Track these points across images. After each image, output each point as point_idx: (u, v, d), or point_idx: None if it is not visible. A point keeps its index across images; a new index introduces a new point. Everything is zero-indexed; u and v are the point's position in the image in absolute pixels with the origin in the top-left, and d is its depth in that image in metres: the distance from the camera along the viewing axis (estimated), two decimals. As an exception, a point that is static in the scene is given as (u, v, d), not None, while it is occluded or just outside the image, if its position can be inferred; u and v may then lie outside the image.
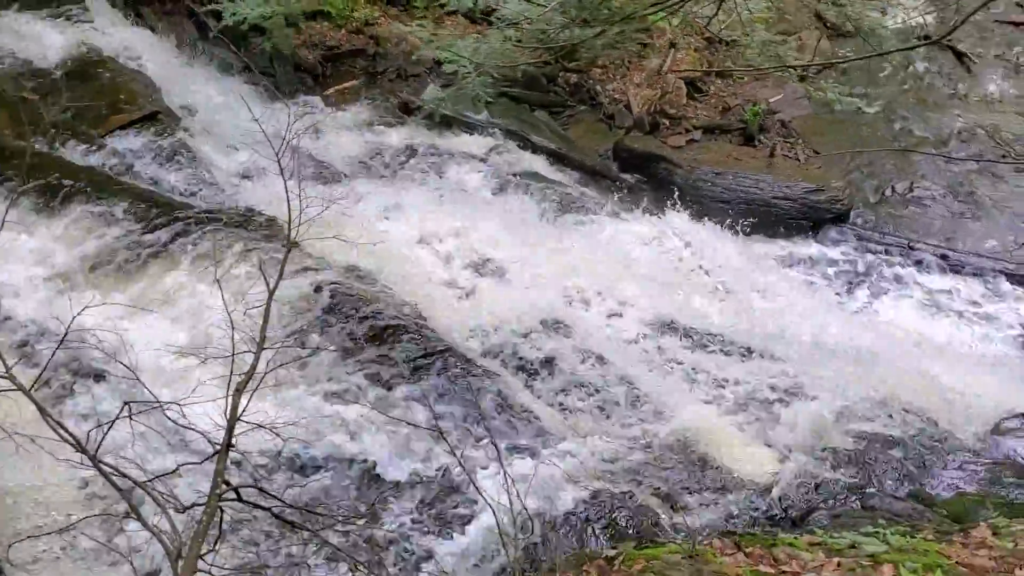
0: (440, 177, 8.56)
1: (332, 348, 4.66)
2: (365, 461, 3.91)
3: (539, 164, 9.01)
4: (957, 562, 3.27)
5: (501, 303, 5.84)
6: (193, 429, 2.59)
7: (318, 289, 5.26)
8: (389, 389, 4.51)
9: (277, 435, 2.61)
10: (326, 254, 5.58)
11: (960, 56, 11.26)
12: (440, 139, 9.25)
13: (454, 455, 2.99)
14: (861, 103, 9.00)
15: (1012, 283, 7.84)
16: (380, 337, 4.97)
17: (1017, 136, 8.44)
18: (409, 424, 3.68)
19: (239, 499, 2.43)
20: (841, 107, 9.17)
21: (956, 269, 8.08)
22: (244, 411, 2.38)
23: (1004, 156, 8.25)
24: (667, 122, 10.41)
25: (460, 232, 6.76)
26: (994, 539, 3.57)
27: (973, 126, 9.55)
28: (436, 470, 3.88)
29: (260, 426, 2.45)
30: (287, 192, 2.78)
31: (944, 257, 8.24)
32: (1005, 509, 4.13)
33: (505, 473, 2.43)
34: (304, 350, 4.21)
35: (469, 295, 6.06)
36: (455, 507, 3.74)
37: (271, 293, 2.70)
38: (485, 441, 4.15)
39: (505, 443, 4.27)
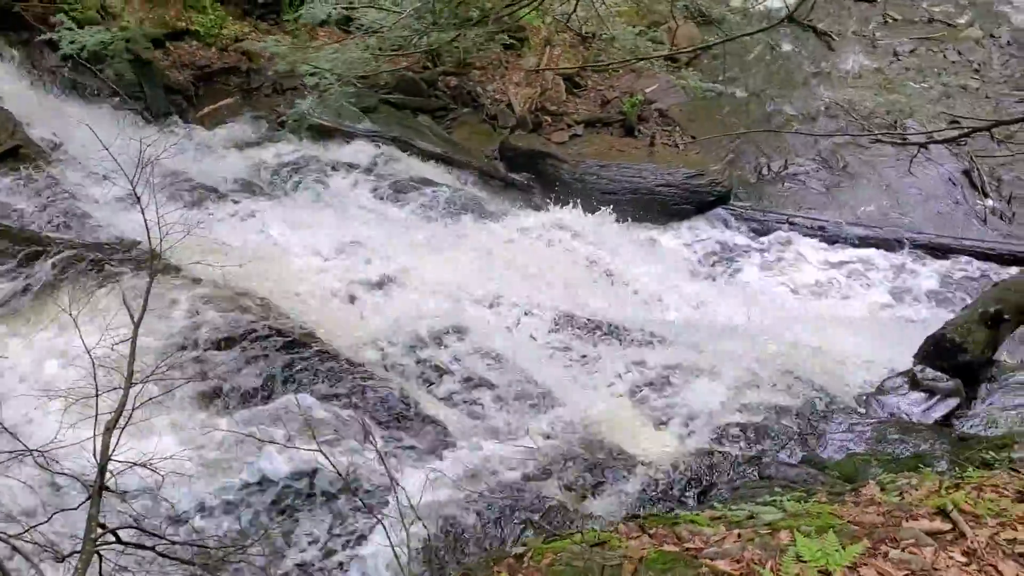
0: (325, 189, 8.46)
1: (214, 373, 4.53)
2: (255, 485, 3.82)
3: (425, 169, 9.00)
4: (849, 521, 3.40)
5: (395, 312, 5.80)
6: (64, 474, 2.47)
7: (196, 314, 5.11)
8: (278, 409, 4.41)
9: (155, 471, 2.51)
10: (208, 278, 5.43)
11: (821, 35, 11.77)
12: (323, 151, 9.13)
13: (339, 474, 2.94)
14: (723, 88, 9.29)
15: (886, 248, 8.22)
16: (268, 357, 4.87)
17: (871, 109, 8.86)
18: (293, 447, 3.60)
19: (119, 541, 2.33)
20: (702, 94, 9.46)
21: (834, 239, 8.44)
22: (117, 449, 2.29)
23: (865, 129, 8.64)
24: (549, 119, 10.56)
25: (348, 243, 6.70)
26: (882, 495, 3.73)
27: (838, 102, 9.97)
28: (331, 488, 3.82)
29: (136, 464, 2.35)
30: (145, 221, 2.68)
31: (822, 228, 8.59)
32: (891, 465, 4.33)
33: (393, 482, 2.41)
34: (179, 380, 4.07)
35: (362, 306, 6.00)
36: (353, 524, 3.69)
37: (136, 326, 2.61)
38: (388, 451, 4.11)
39: (408, 450, 4.25)
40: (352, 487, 3.58)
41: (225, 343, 4.97)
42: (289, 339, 5.08)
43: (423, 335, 5.47)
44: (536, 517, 3.92)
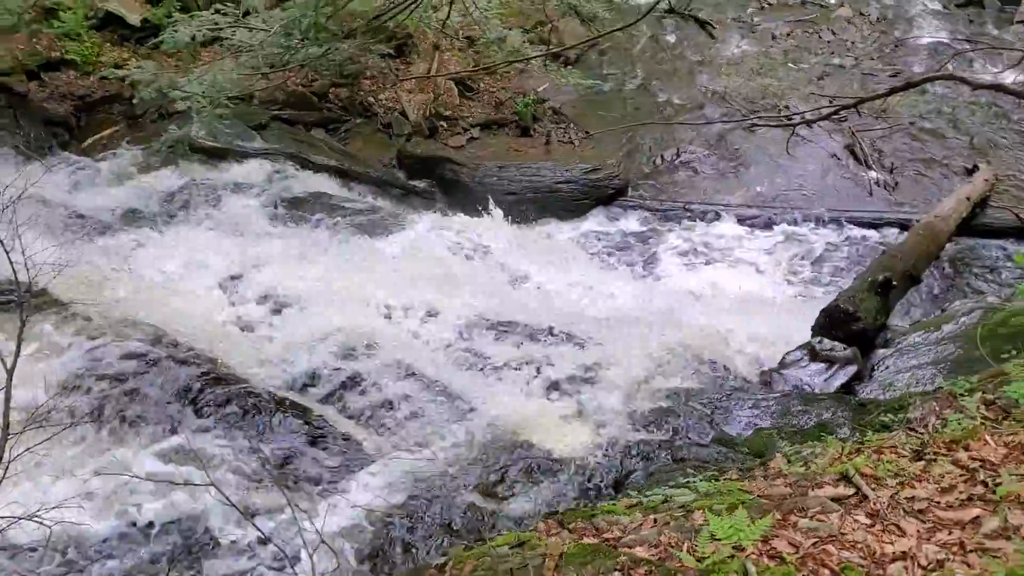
0: (220, 212, 8.25)
1: (106, 412, 4.37)
2: (151, 527, 3.69)
3: (322, 183, 8.88)
4: (759, 495, 3.50)
5: (300, 331, 5.71)
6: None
7: (85, 352, 4.92)
8: (175, 445, 4.29)
9: (41, 523, 2.39)
10: (96, 313, 5.24)
11: (703, 24, 12.07)
12: (215, 173, 8.93)
13: (238, 510, 2.87)
14: (610, 84, 9.43)
15: (778, 226, 8.49)
16: (163, 390, 4.73)
17: (747, 95, 9.14)
18: (188, 484, 3.50)
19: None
20: (585, 91, 9.59)
21: (729, 221, 8.67)
22: (-1, 505, 2.18)
23: (744, 114, 8.91)
24: (444, 124, 10.55)
25: (246, 265, 6.56)
26: (788, 466, 3.85)
27: (716, 90, 10.25)
28: (232, 523, 3.72)
29: (21, 518, 2.25)
30: (11, 263, 2.56)
31: (717, 213, 8.82)
32: (796, 436, 4.48)
33: (294, 509, 2.37)
34: (65, 424, 3.90)
35: (265, 329, 5.88)
36: (257, 558, 3.61)
37: (10, 374, 2.49)
38: (299, 476, 4.04)
39: (321, 472, 4.18)
40: (254, 519, 3.50)
41: (116, 379, 4.80)
42: (187, 369, 4.94)
43: (328, 352, 5.40)
44: (457, 526, 3.91)
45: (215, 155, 9.08)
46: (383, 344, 5.64)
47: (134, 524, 3.64)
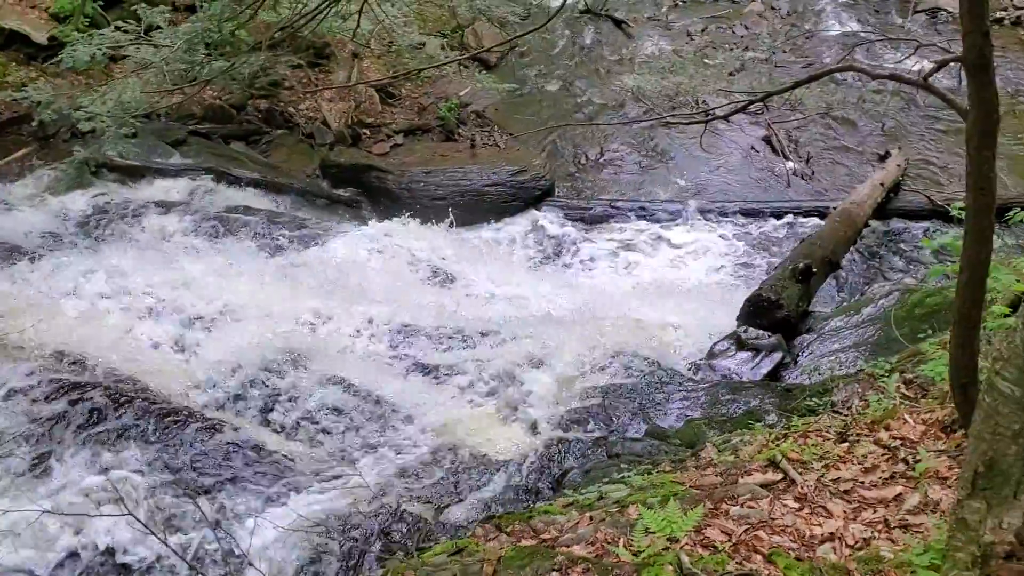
0: (140, 231, 8.05)
1: (22, 441, 4.21)
2: (72, 562, 3.57)
3: (244, 197, 8.73)
4: (691, 486, 3.56)
5: (225, 348, 5.59)
6: None
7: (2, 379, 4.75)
8: (95, 470, 4.16)
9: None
10: (12, 342, 5.06)
11: (619, 23, 12.23)
12: (133, 192, 8.72)
13: (158, 538, 2.80)
14: (528, 86, 9.49)
15: (702, 219, 8.64)
16: (85, 416, 4.57)
17: (659, 93, 9.29)
18: (105, 515, 3.41)
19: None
20: (502, 93, 9.62)
21: (654, 216, 8.79)
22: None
23: (657, 112, 9.05)
24: (367, 131, 10.49)
25: (169, 284, 6.41)
26: (718, 456, 3.92)
27: (628, 89, 10.38)
28: (157, 556, 3.61)
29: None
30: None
31: (642, 208, 8.92)
32: (726, 424, 4.56)
33: (216, 533, 2.32)
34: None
35: (189, 347, 5.75)
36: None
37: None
38: (231, 499, 3.96)
39: (252, 494, 4.10)
40: (176, 545, 3.41)
41: (30, 407, 4.64)
42: (106, 393, 4.79)
43: (258, 368, 5.31)
44: (393, 536, 3.89)
45: (132, 173, 8.86)
46: (312, 356, 5.57)
47: (48, 559, 3.51)
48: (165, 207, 8.29)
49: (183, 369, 5.44)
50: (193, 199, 8.59)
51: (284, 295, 6.59)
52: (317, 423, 4.94)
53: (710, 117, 4.87)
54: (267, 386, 5.24)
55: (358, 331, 6.21)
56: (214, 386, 5.22)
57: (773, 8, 12.55)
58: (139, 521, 2.47)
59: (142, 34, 4.22)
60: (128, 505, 3.21)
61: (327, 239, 7.91)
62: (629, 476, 3.87)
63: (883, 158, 9.32)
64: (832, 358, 5.59)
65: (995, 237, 3.10)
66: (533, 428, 5.03)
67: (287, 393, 5.21)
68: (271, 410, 5.06)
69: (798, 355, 5.85)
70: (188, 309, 6.14)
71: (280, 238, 7.88)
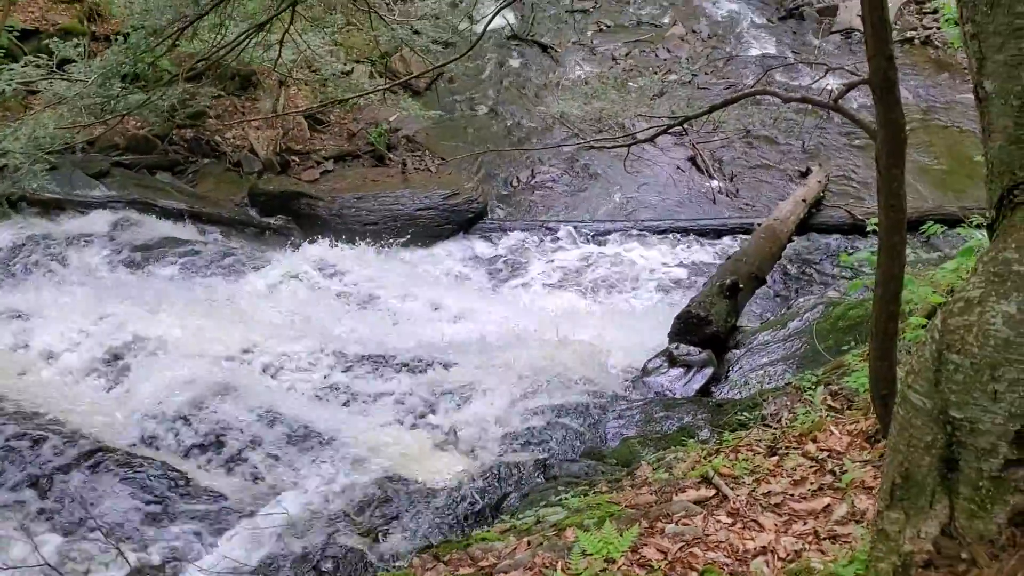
0: (62, 266, 7.83)
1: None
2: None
3: (170, 228, 8.57)
4: (626, 505, 3.59)
5: (152, 383, 5.45)
6: None
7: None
8: (9, 516, 4.00)
9: None
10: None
11: (545, 48, 12.38)
12: (55, 226, 8.48)
13: None
14: (446, 114, 9.54)
15: (631, 238, 8.77)
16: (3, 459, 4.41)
17: (582, 117, 9.43)
18: (18, 567, 3.28)
19: None
20: (429, 119, 9.66)
21: (585, 236, 8.90)
22: None
23: (583, 136, 9.20)
24: (296, 158, 10.39)
25: (93, 320, 6.23)
26: (653, 474, 3.97)
27: (552, 114, 10.51)
28: None
29: None
30: None
31: (574, 228, 9.03)
32: (661, 442, 4.61)
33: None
34: None
35: (116, 385, 5.60)
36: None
37: None
38: (159, 538, 3.85)
39: (180, 532, 3.99)
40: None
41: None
42: (27, 434, 4.62)
43: (185, 403, 5.17)
44: (330, 572, 3.82)
45: (53, 206, 8.63)
46: (242, 389, 5.46)
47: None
48: (88, 240, 8.08)
49: (106, 406, 5.29)
50: (117, 231, 8.39)
51: (211, 327, 6.46)
52: (245, 459, 4.83)
53: (632, 141, 4.96)
54: (194, 421, 5.11)
55: (287, 361, 6.11)
56: (138, 422, 5.08)
57: (694, 32, 12.86)
58: (55, 570, 2.38)
59: (55, 68, 4.11)
60: (42, 553, 3.09)
61: (256, 268, 7.81)
62: (566, 498, 3.88)
63: (804, 175, 9.60)
64: (761, 372, 5.70)
65: (911, 250, 3.21)
66: (470, 453, 5.01)
67: (214, 428, 5.08)
68: (198, 446, 4.93)
69: (728, 370, 5.96)
70: (112, 344, 5.97)
71: (207, 269, 7.74)
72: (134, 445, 4.85)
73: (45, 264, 7.86)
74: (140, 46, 3.41)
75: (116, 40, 4.40)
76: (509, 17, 11.63)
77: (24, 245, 8.08)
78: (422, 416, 5.40)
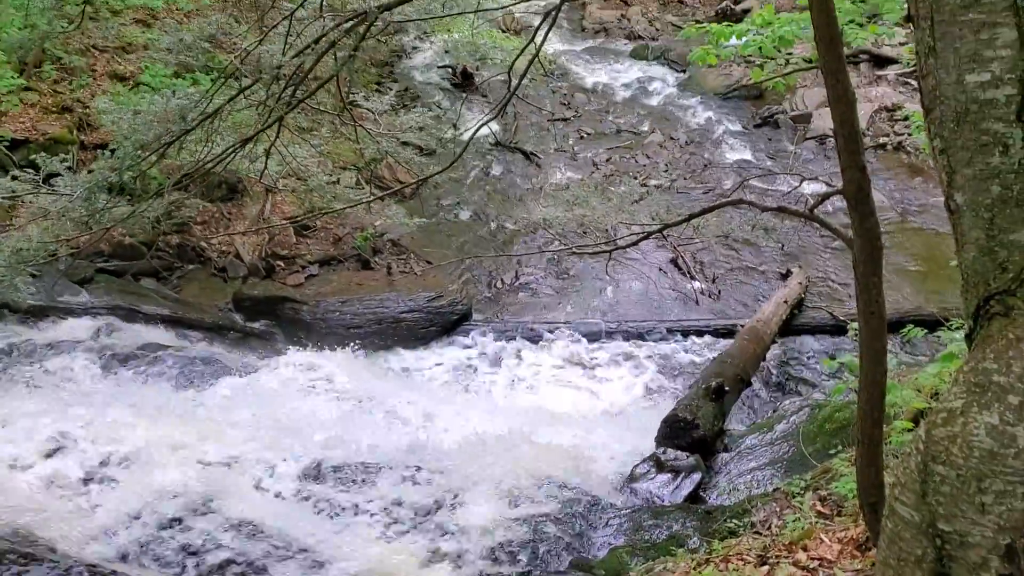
0: (41, 373, 7.74)
1: None
2: None
3: (153, 334, 8.52)
4: (616, 619, 3.49)
5: (132, 494, 5.32)
6: None
7: None
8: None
9: None
10: None
11: (528, 155, 12.68)
12: (36, 332, 8.42)
13: None
14: (419, 220, 9.69)
15: (616, 340, 8.79)
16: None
17: (572, 221, 9.60)
18: None
19: None
20: (409, 227, 9.80)
21: (570, 338, 8.91)
22: None
23: (564, 242, 9.36)
24: (282, 263, 10.45)
25: (70, 429, 6.12)
26: (642, 584, 3.87)
27: (535, 220, 10.70)
28: None
29: None
30: None
31: (558, 330, 9.04)
32: (650, 551, 4.52)
33: None
34: None
35: (93, 498, 5.45)
36: None
37: None
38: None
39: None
40: None
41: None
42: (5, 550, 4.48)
43: (163, 515, 5.05)
44: None
45: (35, 314, 8.57)
46: (222, 500, 5.34)
47: None
48: (69, 347, 8.01)
49: (84, 517, 5.14)
50: (99, 338, 8.34)
51: (191, 434, 6.35)
52: (226, 574, 4.69)
53: (614, 247, 5.05)
54: (172, 534, 4.98)
55: (269, 469, 6.00)
56: (115, 535, 4.94)
57: (672, 138, 13.21)
58: None
59: (41, 182, 4.16)
60: None
61: (238, 374, 7.76)
62: (554, 613, 3.77)
63: (785, 276, 9.72)
64: (749, 476, 5.65)
65: (892, 353, 3.23)
66: (457, 566, 4.89)
67: (193, 541, 4.95)
68: (176, 561, 4.79)
69: (717, 475, 5.89)
70: (90, 453, 5.85)
71: (189, 375, 7.69)
72: (108, 560, 4.69)
73: (23, 371, 7.77)
74: (126, 160, 3.47)
75: (103, 154, 4.48)
76: (492, 125, 11.90)
77: (3, 352, 8.00)
78: (406, 527, 5.28)
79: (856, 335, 3.22)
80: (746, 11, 16.49)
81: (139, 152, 3.54)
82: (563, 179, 12.16)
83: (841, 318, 8.47)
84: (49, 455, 6.03)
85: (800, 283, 9.27)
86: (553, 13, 3.13)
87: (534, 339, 8.95)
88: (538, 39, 3.34)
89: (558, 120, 13.70)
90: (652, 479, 5.79)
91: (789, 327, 8.61)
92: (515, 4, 3.78)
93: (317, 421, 7.02)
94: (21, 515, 4.98)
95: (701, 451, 6.05)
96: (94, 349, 8.14)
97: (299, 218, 9.61)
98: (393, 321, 9.16)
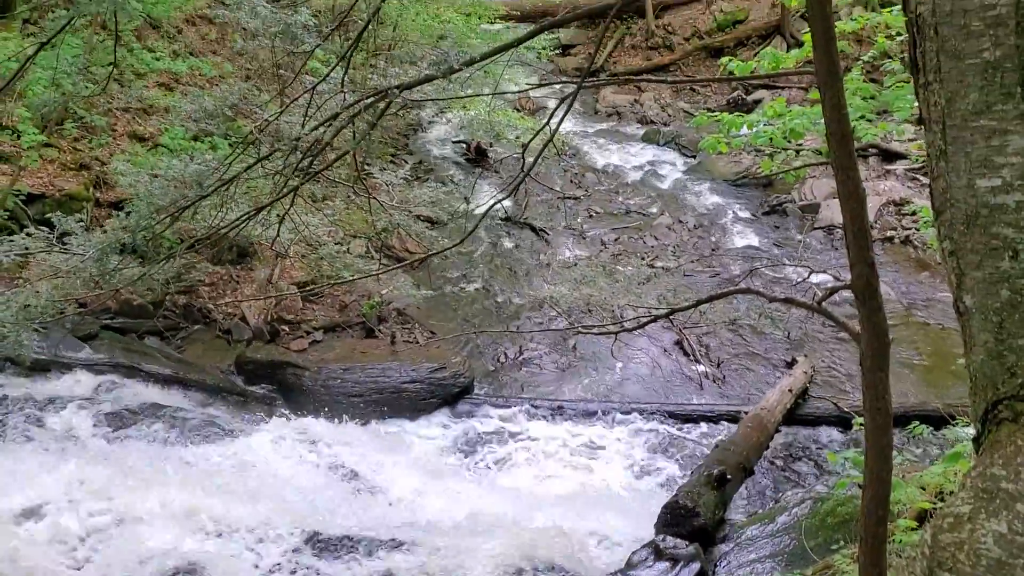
0: (39, 428, 7.70)
1: None
2: None
3: (153, 393, 8.49)
4: None
5: (121, 559, 5.24)
6: None
7: None
8: None
9: None
10: None
11: (537, 231, 12.79)
12: (36, 386, 8.41)
13: None
14: (426, 292, 9.74)
15: (618, 422, 8.70)
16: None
17: (578, 300, 9.62)
18: None
19: None
20: (416, 298, 9.85)
21: (571, 417, 8.83)
22: None
23: (588, 314, 9.36)
24: (287, 328, 10.45)
25: (63, 486, 6.06)
26: None
27: (543, 299, 10.72)
28: None
29: None
30: None
31: (560, 408, 8.97)
32: (646, 644, 4.40)
33: None
34: None
35: (81, 556, 5.36)
36: None
37: None
38: None
39: None
40: None
41: None
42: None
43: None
44: None
45: (36, 367, 8.56)
46: (212, 569, 5.24)
47: None
48: (69, 403, 7.99)
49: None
50: (99, 395, 8.32)
51: (186, 498, 6.28)
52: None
53: (620, 329, 5.05)
54: (159, 602, 4.89)
55: (264, 539, 5.91)
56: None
57: (680, 221, 13.32)
58: None
59: (54, 241, 4.21)
60: None
61: (236, 438, 7.70)
62: None
63: (790, 364, 9.67)
64: (749, 568, 5.53)
65: (897, 448, 3.20)
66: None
67: (181, 610, 4.85)
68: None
69: (716, 565, 5.77)
70: (81, 513, 5.78)
71: (186, 437, 7.63)
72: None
73: (20, 426, 7.73)
74: (140, 224, 3.51)
75: (117, 214, 4.53)
76: (503, 201, 12.05)
77: (2, 405, 7.97)
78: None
79: (861, 429, 3.18)
80: (757, 101, 16.82)
81: (154, 215, 3.58)
82: (571, 256, 12.24)
83: (846, 410, 8.40)
84: (39, 511, 5.97)
85: (805, 372, 9.22)
86: (569, 99, 3.19)
87: (535, 416, 8.87)
88: (553, 123, 3.40)
89: (568, 198, 13.86)
90: (650, 567, 5.67)
91: (793, 416, 8.53)
92: (533, 88, 3.86)
93: (312, 491, 6.94)
94: (8, 571, 4.89)
95: (701, 540, 5.94)
96: (93, 406, 8.12)
97: (308, 288, 9.66)
98: (394, 391, 9.12)
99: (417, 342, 10.47)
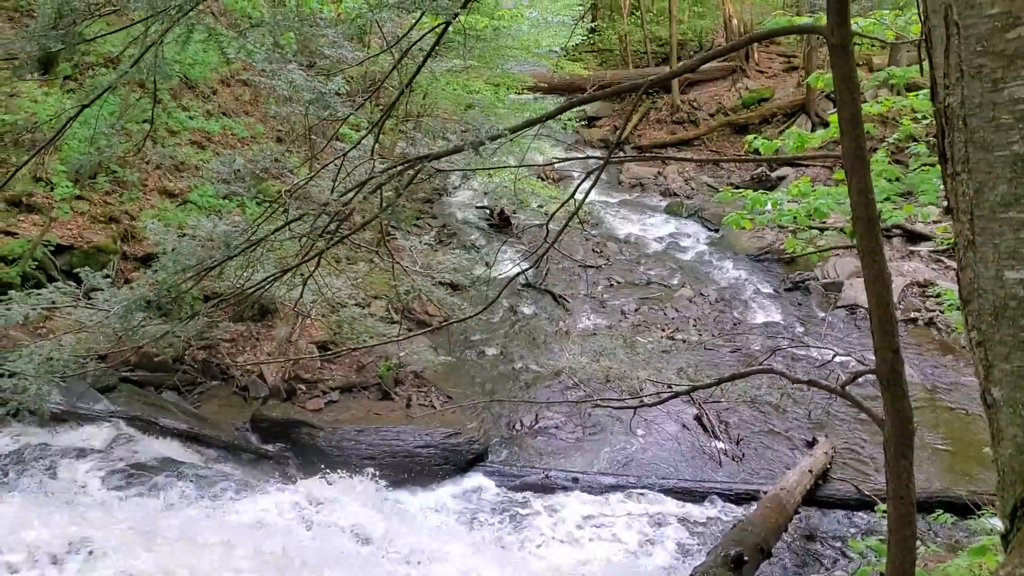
0: (53, 479, 7.67)
1: None
2: None
3: (168, 448, 8.46)
4: None
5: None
6: None
7: None
8: None
9: None
10: None
11: (557, 298, 12.80)
12: (52, 437, 8.40)
13: None
14: (444, 357, 9.74)
15: (635, 495, 8.56)
16: None
17: (596, 372, 9.58)
18: None
19: None
20: (433, 363, 9.86)
21: (587, 489, 8.70)
22: None
23: (607, 384, 9.30)
24: (303, 387, 10.45)
25: (72, 542, 5.99)
26: None
27: (560, 370, 10.69)
28: None
29: None
30: None
31: (575, 480, 8.85)
32: None
33: None
34: None
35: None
36: None
37: None
38: None
39: None
40: None
41: None
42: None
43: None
44: None
45: (54, 418, 8.58)
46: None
47: None
48: (84, 455, 7.97)
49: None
50: (113, 448, 8.29)
51: (192, 559, 6.20)
52: None
53: (640, 404, 5.00)
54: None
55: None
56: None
57: (702, 294, 13.30)
58: None
59: (80, 295, 4.27)
60: None
61: (247, 497, 7.61)
62: None
63: (811, 444, 9.52)
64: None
65: (919, 538, 3.11)
66: None
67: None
68: None
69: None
70: (86, 570, 5.71)
71: (197, 496, 7.56)
72: None
73: (36, 476, 7.71)
74: (165, 283, 3.55)
75: (143, 271, 4.59)
76: (525, 266, 12.11)
77: (18, 453, 7.97)
78: None
79: (884, 515, 3.11)
80: (781, 178, 16.91)
81: (180, 273, 3.63)
82: (591, 325, 12.22)
83: (867, 494, 8.22)
84: (43, 569, 5.90)
85: (826, 453, 9.07)
86: (596, 173, 3.22)
87: (548, 489, 8.75)
88: (579, 195, 3.43)
89: (590, 267, 13.91)
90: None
91: (813, 498, 8.36)
92: (559, 162, 3.90)
93: (322, 557, 6.83)
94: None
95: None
96: (106, 459, 8.09)
97: (328, 351, 9.69)
98: (407, 456, 9.05)
99: (433, 406, 10.42)
